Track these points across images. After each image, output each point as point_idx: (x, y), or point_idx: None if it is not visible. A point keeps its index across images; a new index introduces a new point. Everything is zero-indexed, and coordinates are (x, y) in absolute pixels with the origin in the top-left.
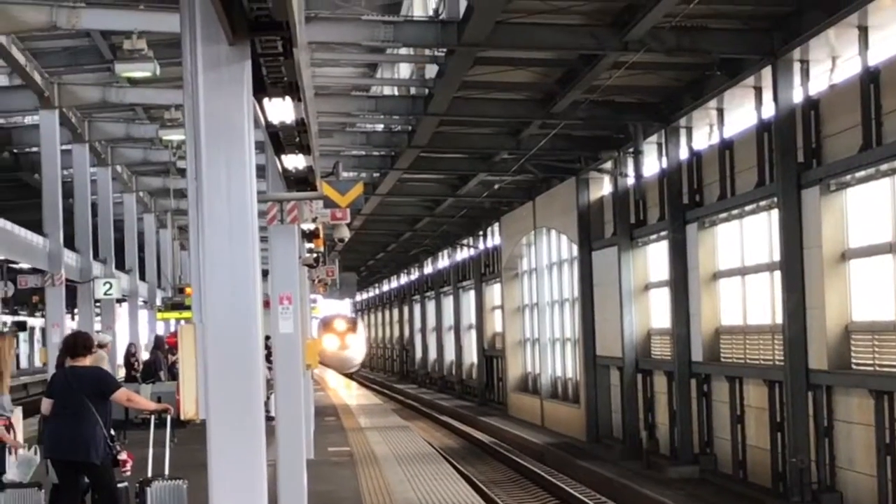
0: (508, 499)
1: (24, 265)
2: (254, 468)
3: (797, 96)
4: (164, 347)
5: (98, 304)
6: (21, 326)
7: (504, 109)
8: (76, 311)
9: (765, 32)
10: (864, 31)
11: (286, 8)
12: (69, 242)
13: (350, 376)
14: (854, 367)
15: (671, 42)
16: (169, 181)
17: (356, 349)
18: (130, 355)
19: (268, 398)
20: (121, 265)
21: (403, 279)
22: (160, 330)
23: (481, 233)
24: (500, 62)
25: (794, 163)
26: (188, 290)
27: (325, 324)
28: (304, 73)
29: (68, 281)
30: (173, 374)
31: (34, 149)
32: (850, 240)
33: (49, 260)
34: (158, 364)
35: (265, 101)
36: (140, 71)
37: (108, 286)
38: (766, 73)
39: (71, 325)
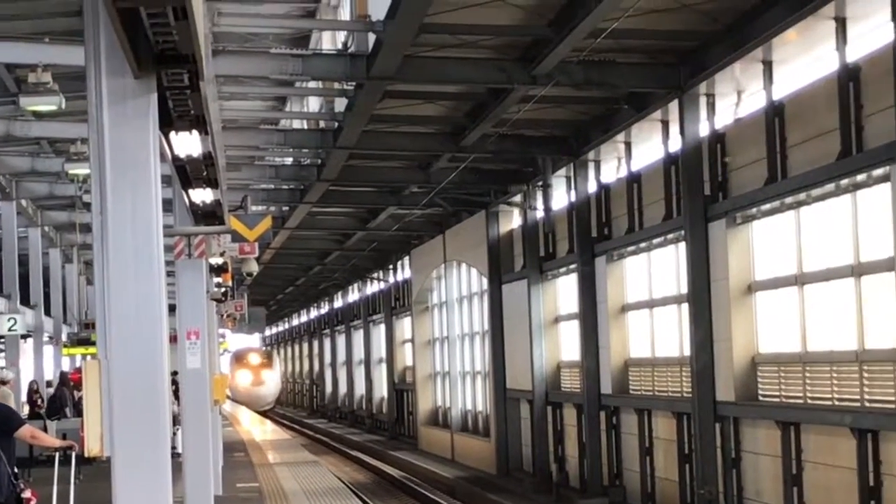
0: None
1: None
2: None
3: (703, 130)
4: (70, 384)
5: (2, 339)
6: None
7: (413, 143)
8: None
9: (671, 67)
10: (768, 65)
11: (192, 41)
12: None
13: (264, 413)
14: (761, 398)
15: (579, 76)
16: (75, 215)
17: (271, 385)
18: (33, 392)
19: (174, 434)
20: (25, 300)
21: (313, 313)
22: (66, 366)
23: (391, 266)
24: (410, 95)
25: (700, 196)
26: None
27: (238, 358)
28: (212, 107)
29: None
30: (79, 411)
31: None
32: (757, 272)
33: None
34: (63, 400)
35: (172, 134)
36: (45, 104)
37: (12, 322)
38: (673, 106)
39: None
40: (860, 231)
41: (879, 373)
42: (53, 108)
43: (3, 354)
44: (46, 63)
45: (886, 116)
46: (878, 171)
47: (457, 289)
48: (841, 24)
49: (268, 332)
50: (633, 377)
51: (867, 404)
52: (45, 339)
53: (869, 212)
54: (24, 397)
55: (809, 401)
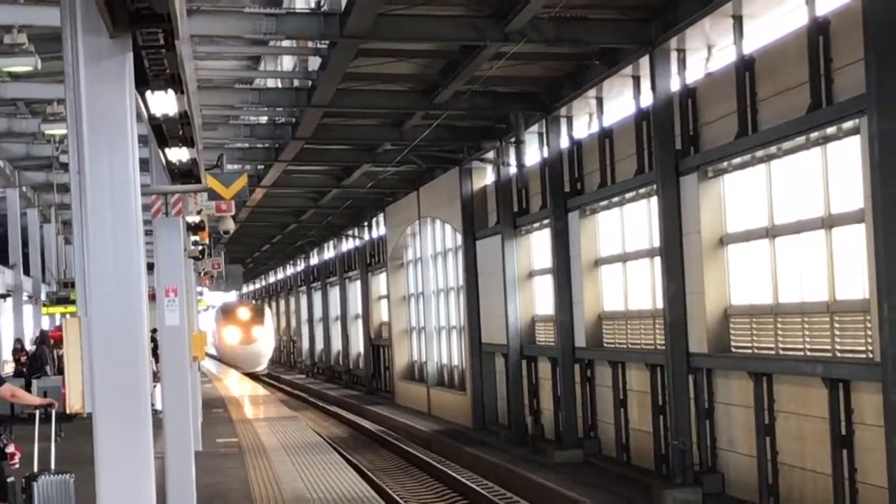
0: (396, 486)
1: None
2: (141, 461)
3: (674, 85)
4: (50, 342)
5: None
6: None
7: (387, 101)
8: None
9: (642, 22)
10: (738, 20)
11: (167, 0)
12: None
13: (253, 376)
14: (733, 349)
15: (551, 33)
16: (52, 176)
17: (264, 343)
18: (18, 350)
19: (153, 391)
20: (4, 261)
21: (290, 270)
22: (46, 325)
23: (366, 223)
24: (383, 54)
25: (672, 150)
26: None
27: (226, 313)
28: (187, 66)
29: None
30: (60, 369)
31: None
32: (728, 225)
33: None
34: (44, 358)
35: (148, 94)
36: (21, 65)
37: None
38: (644, 62)
39: None
40: (831, 184)
41: (850, 323)
42: (29, 69)
43: None
44: (22, 24)
45: (856, 69)
46: (848, 124)
47: (431, 245)
48: None
49: (245, 290)
50: (607, 330)
51: (838, 354)
52: (25, 298)
53: (839, 165)
54: (6, 355)
55: (781, 352)
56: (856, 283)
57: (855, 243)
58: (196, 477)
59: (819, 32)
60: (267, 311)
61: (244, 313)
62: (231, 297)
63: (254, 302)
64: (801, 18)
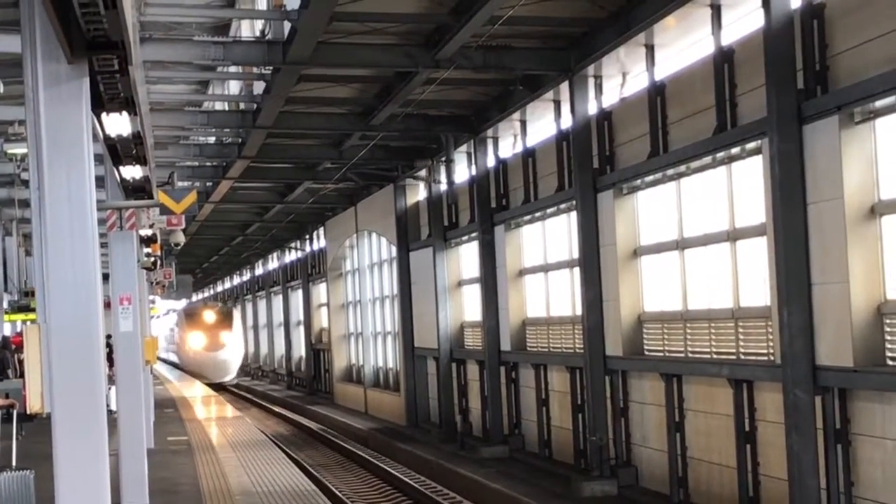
0: (336, 481)
1: None
2: (97, 457)
3: (592, 109)
4: (11, 347)
5: None
6: None
7: (327, 122)
8: None
9: (562, 51)
10: (650, 49)
11: (121, 29)
12: None
13: (218, 386)
14: (646, 353)
15: (478, 60)
16: (14, 192)
17: (232, 350)
18: None
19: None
20: None
21: (237, 280)
22: (7, 331)
23: (308, 236)
24: (323, 79)
25: (590, 169)
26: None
27: (190, 316)
28: (140, 90)
29: None
30: (21, 372)
31: None
32: (641, 238)
33: None
34: (6, 363)
35: (103, 115)
36: None
37: None
38: (564, 87)
39: None
40: (735, 200)
41: (753, 328)
42: None
43: None
44: None
45: (758, 95)
46: (751, 145)
47: (368, 256)
48: (716, 10)
49: (195, 298)
50: (530, 335)
51: (742, 357)
52: None
53: (743, 182)
54: None
55: (690, 354)
56: (758, 291)
57: (757, 255)
58: (148, 472)
59: (724, 61)
60: (235, 313)
61: (210, 316)
62: (181, 305)
63: (220, 304)
64: (708, 48)
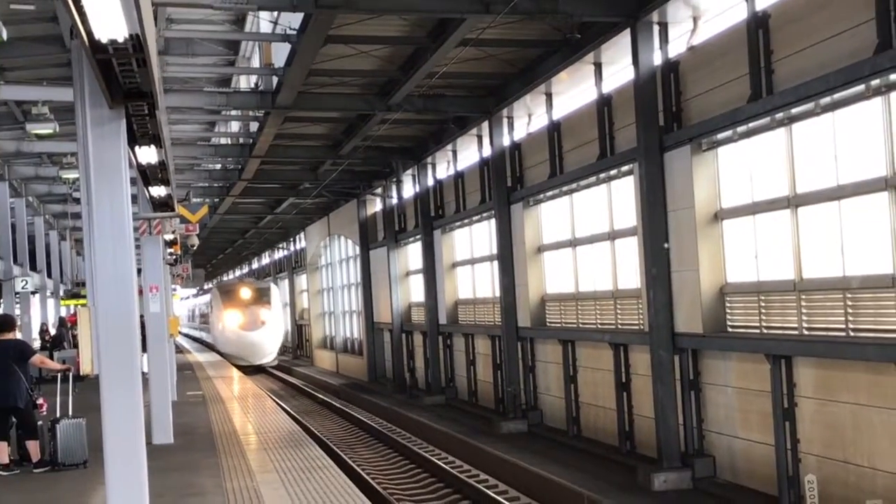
0: (314, 423)
1: None
2: (134, 407)
3: (506, 141)
4: (67, 325)
5: (17, 295)
6: None
7: (306, 153)
8: (1, 300)
9: (483, 98)
10: (549, 96)
11: (150, 82)
12: None
13: (257, 368)
14: (548, 324)
15: (420, 105)
16: (67, 207)
17: (272, 329)
18: (44, 331)
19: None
20: (33, 267)
21: (237, 272)
22: (63, 313)
23: (292, 239)
24: (303, 119)
25: (504, 187)
26: (84, 289)
27: (226, 293)
28: (164, 129)
29: None
30: (74, 344)
31: None
32: (544, 238)
33: None
34: (63, 337)
35: (136, 148)
36: (44, 129)
37: (24, 283)
38: (485, 125)
39: None
40: (614, 209)
41: (628, 305)
42: (50, 131)
43: (18, 305)
44: (45, 100)
45: (630, 130)
46: (625, 168)
47: (338, 254)
48: (598, 67)
49: (206, 287)
50: (461, 312)
51: (620, 326)
52: (48, 294)
53: (619, 195)
54: (34, 335)
55: (581, 325)
56: (631, 277)
57: (631, 250)
58: (173, 418)
59: (604, 104)
60: (274, 289)
61: (246, 293)
62: (193, 291)
63: (256, 280)
64: (592, 95)
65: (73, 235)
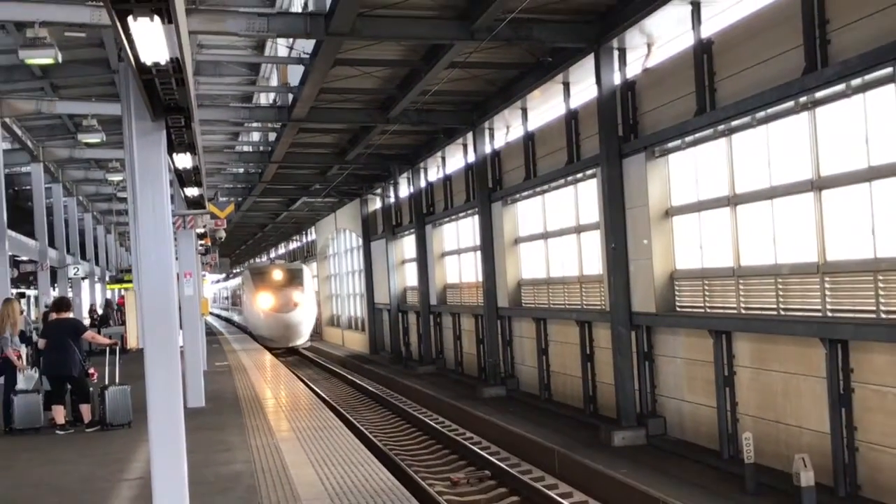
0: (322, 389)
1: (24, 258)
2: (172, 376)
3: (488, 149)
4: (114, 306)
5: (70, 280)
6: (22, 295)
7: (317, 159)
8: (56, 285)
9: (467, 112)
10: (524, 110)
11: (187, 99)
12: (51, 244)
13: (292, 349)
14: (524, 304)
15: (414, 118)
16: (111, 205)
17: (305, 311)
18: (93, 311)
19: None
20: (84, 256)
21: (258, 261)
22: (109, 295)
23: (304, 232)
24: (315, 130)
25: (486, 188)
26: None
27: (258, 275)
28: (197, 138)
29: (51, 267)
30: (122, 321)
31: (27, 187)
32: (520, 232)
33: (39, 254)
34: (109, 316)
35: (174, 155)
36: (93, 138)
37: (76, 270)
38: (470, 135)
39: (53, 294)
40: (580, 207)
41: (592, 288)
42: (98, 140)
43: (70, 289)
44: (93, 113)
45: (593, 140)
46: (590, 172)
47: (344, 245)
48: (566, 86)
49: (232, 272)
50: (450, 294)
51: (585, 306)
52: (96, 279)
53: (585, 195)
54: (85, 314)
55: (552, 305)
56: (595, 264)
57: (594, 242)
58: (204, 385)
59: (572, 118)
60: (307, 271)
61: (278, 275)
62: (219, 276)
63: (287, 263)
64: (561, 110)
65: (116, 229)
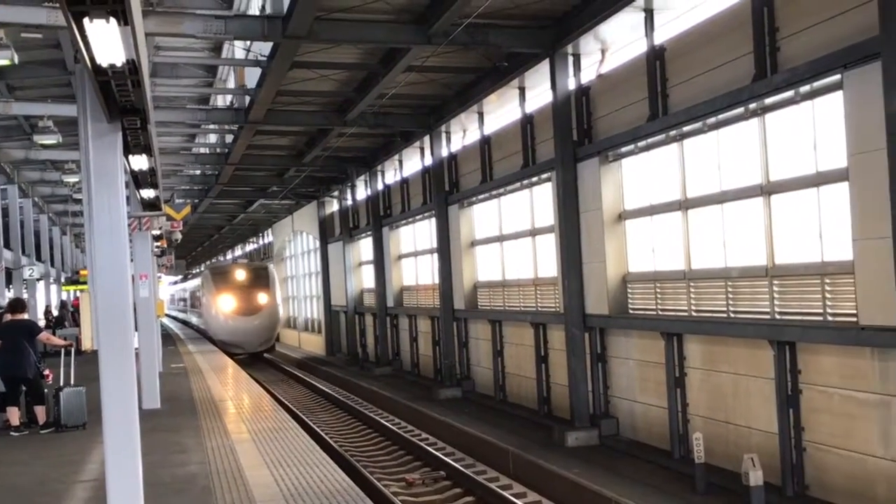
0: (278, 390)
1: None
2: (127, 378)
3: (444, 152)
4: (69, 307)
5: (25, 282)
6: None
7: (274, 161)
8: (11, 287)
9: (424, 115)
10: (481, 115)
11: (143, 100)
12: (7, 245)
13: (253, 356)
14: (479, 307)
15: (371, 121)
16: (67, 206)
17: (270, 314)
18: (48, 313)
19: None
20: (39, 258)
21: (214, 262)
22: (64, 296)
23: (261, 234)
24: (272, 133)
25: (443, 191)
26: (82, 272)
27: (219, 276)
28: (153, 140)
29: (6, 268)
30: (76, 323)
31: None
32: (476, 234)
33: None
34: (64, 317)
35: (130, 156)
36: (49, 140)
37: (31, 271)
38: (427, 139)
39: (8, 295)
40: (535, 210)
41: (547, 291)
42: (54, 142)
43: (25, 290)
44: (49, 114)
45: (549, 144)
46: (545, 175)
47: (301, 247)
48: (522, 91)
49: (187, 273)
50: (406, 296)
51: (540, 308)
52: (51, 281)
53: (540, 199)
54: (40, 315)
55: (507, 308)
56: (550, 267)
57: (549, 245)
58: (159, 386)
59: (528, 122)
60: (272, 270)
61: (240, 275)
62: (175, 278)
63: (250, 262)
64: (517, 114)
65: (72, 231)
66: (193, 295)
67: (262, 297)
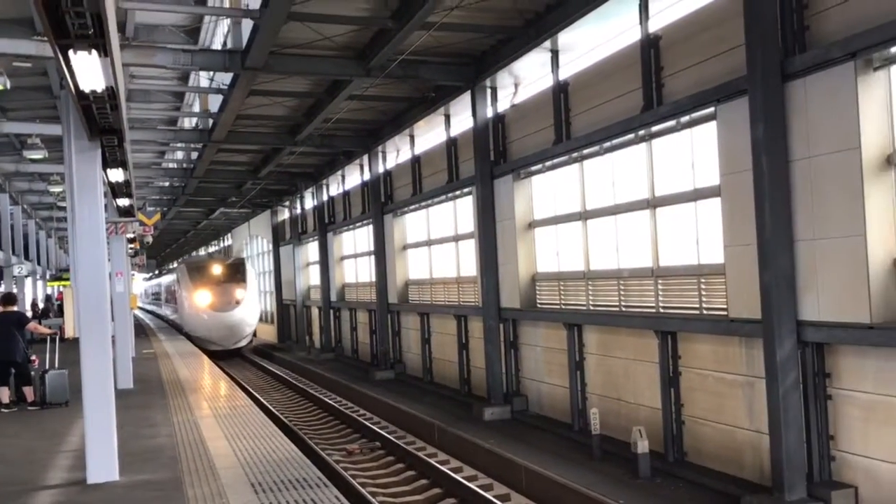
0: (235, 372)
1: None
2: (104, 362)
3: (381, 169)
4: (54, 301)
5: (15, 278)
6: None
7: (234, 175)
8: (2, 282)
9: (364, 137)
10: (412, 137)
11: (120, 122)
12: None
13: (230, 352)
14: (410, 301)
15: (318, 141)
16: (53, 212)
17: (248, 309)
18: (34, 305)
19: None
20: (27, 257)
21: (194, 254)
22: (49, 291)
23: (223, 238)
24: (231, 151)
25: (379, 202)
26: (65, 274)
27: (195, 270)
28: (128, 156)
29: None
30: (60, 314)
31: None
32: (408, 239)
33: None
34: (49, 309)
35: (108, 170)
36: (37, 155)
37: (20, 269)
38: (366, 157)
39: (0, 290)
40: (458, 219)
41: (468, 287)
42: (41, 156)
43: (14, 286)
44: (37, 133)
45: (470, 163)
46: (466, 190)
47: (256, 249)
48: (447, 118)
49: (157, 272)
50: (348, 292)
51: (462, 302)
52: (37, 277)
53: (462, 210)
54: (28, 306)
55: (434, 302)
56: (470, 267)
57: (470, 249)
58: (132, 370)
59: (452, 144)
60: (249, 266)
61: (217, 269)
62: (146, 275)
63: (226, 257)
64: (443, 137)
65: (56, 234)
66: (168, 290)
67: (239, 293)
